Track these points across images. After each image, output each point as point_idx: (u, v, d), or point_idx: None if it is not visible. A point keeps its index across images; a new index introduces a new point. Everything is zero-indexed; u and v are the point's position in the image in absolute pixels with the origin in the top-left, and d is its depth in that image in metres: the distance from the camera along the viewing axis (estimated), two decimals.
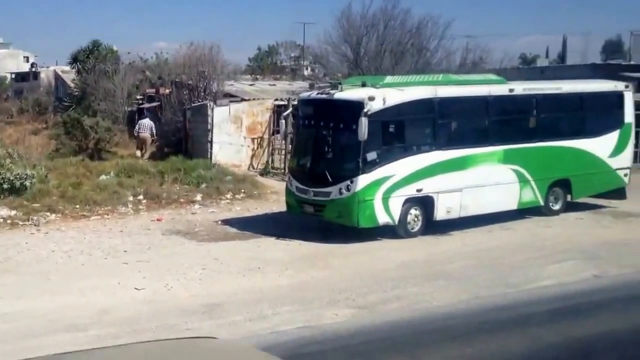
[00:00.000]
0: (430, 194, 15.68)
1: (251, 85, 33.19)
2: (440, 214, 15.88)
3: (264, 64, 59.01)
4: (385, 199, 15.14)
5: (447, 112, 16.23)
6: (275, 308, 10.89)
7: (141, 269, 13.07)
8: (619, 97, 18.84)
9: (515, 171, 16.83)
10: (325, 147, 15.76)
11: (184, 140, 25.79)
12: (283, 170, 22.08)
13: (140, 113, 31.23)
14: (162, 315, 10.57)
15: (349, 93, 15.48)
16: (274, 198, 19.42)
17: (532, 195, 17.19)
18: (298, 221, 16.41)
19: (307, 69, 49.04)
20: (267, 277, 12.64)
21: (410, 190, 15.44)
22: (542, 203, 17.44)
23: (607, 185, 18.60)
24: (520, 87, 17.71)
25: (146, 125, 26.75)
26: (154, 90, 33.86)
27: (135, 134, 27.33)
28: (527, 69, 49.66)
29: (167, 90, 29.95)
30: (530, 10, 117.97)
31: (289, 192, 16.38)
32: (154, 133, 26.90)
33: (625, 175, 18.71)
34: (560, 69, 43.21)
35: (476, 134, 16.92)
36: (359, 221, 15.06)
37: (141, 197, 18.69)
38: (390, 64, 31.09)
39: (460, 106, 16.55)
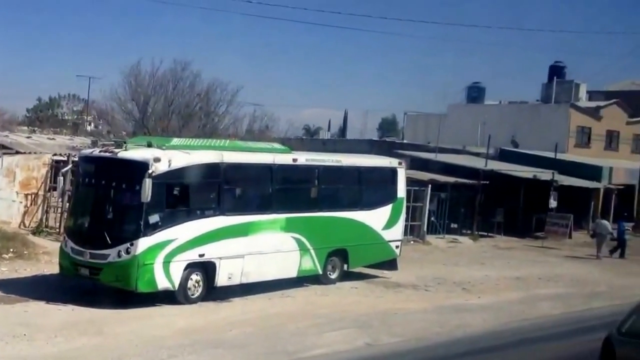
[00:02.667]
0: (212, 260, 15.56)
1: (28, 137, 31.50)
2: (221, 280, 15.78)
3: (44, 116, 56.32)
4: (166, 263, 14.80)
5: (233, 177, 16.33)
6: None
7: None
8: (393, 172, 20.01)
9: (296, 239, 17.19)
10: (105, 207, 15.18)
11: None
12: (58, 230, 21.01)
13: None
14: None
15: (134, 153, 15.13)
16: (46, 259, 18.36)
17: (311, 263, 17.61)
18: (72, 284, 15.58)
19: (90, 124, 47.53)
20: (33, 345, 11.79)
21: (192, 255, 15.23)
22: (320, 272, 17.88)
23: (380, 256, 19.53)
24: (304, 158, 18.23)
25: None
26: None
27: None
28: (310, 140, 51.88)
29: None
30: (315, 84, 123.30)
31: (63, 253, 15.53)
32: None
33: (397, 247, 19.79)
34: (340, 142, 45.66)
35: (260, 201, 17.15)
36: (137, 285, 14.56)
37: None
38: (177, 126, 31.04)
39: (246, 173, 16.77)
